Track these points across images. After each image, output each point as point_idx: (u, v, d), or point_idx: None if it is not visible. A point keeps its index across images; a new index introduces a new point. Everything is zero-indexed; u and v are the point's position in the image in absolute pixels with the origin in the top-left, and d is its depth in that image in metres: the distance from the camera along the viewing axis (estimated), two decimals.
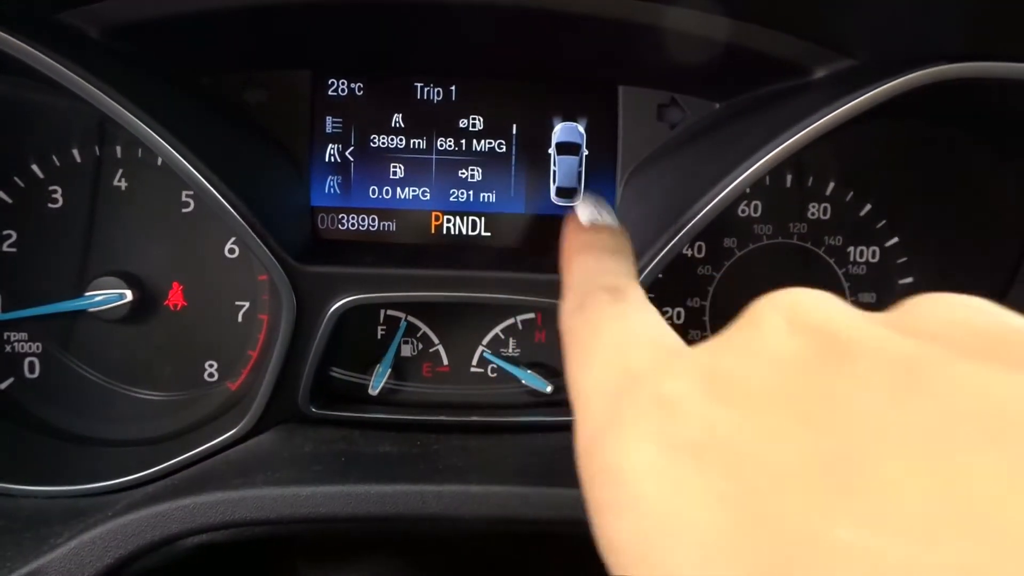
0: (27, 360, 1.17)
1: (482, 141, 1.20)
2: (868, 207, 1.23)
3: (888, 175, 1.22)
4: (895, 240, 1.24)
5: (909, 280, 1.25)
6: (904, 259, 1.25)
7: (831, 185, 1.23)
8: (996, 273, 1.23)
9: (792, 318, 0.41)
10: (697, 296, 1.24)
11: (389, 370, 1.15)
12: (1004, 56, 0.90)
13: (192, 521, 0.84)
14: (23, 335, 1.16)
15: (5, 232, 1.14)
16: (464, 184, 1.20)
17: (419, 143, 1.19)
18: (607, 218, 0.77)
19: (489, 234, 1.21)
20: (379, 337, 1.18)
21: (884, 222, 1.24)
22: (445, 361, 1.20)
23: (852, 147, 1.20)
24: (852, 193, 1.23)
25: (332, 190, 1.19)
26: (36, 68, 0.89)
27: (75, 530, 0.86)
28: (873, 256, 1.25)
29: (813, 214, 1.23)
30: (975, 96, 0.99)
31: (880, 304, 1.26)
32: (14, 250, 1.14)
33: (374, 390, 1.15)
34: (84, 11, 0.95)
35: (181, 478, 0.99)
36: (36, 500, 1.03)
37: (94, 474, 1.06)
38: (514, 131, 1.20)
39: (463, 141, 1.20)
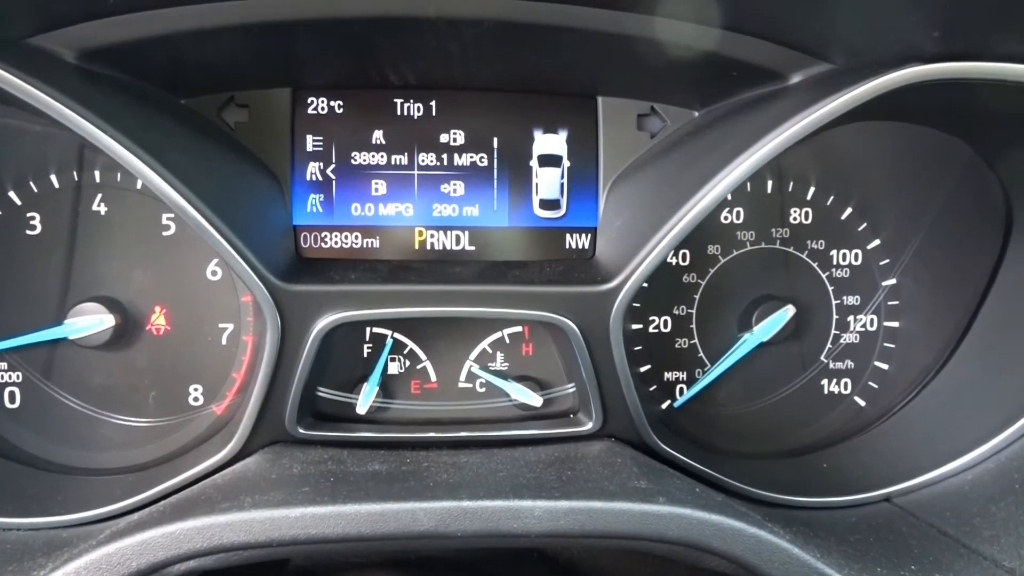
0: (7, 390, 1.15)
1: (464, 155, 1.20)
2: (849, 210, 1.24)
3: (868, 178, 1.23)
4: (877, 242, 1.25)
5: (892, 281, 1.26)
6: (886, 261, 1.25)
7: (812, 190, 1.24)
8: (978, 271, 1.24)
9: None
10: (683, 304, 1.24)
11: (376, 388, 1.14)
12: (977, 56, 0.91)
13: (179, 547, 0.83)
14: (3, 365, 1.14)
15: None
16: (447, 199, 1.20)
17: (400, 159, 1.19)
18: None
19: (473, 248, 1.21)
20: (365, 355, 1.16)
21: (865, 225, 1.25)
22: (433, 377, 1.19)
23: (831, 151, 1.21)
24: (833, 197, 1.24)
25: (314, 208, 1.18)
26: (11, 93, 0.89)
27: (59, 561, 0.84)
28: (856, 259, 1.26)
29: (795, 219, 1.24)
30: (951, 96, 1.00)
31: (864, 306, 1.26)
32: None
33: (362, 409, 1.14)
34: (59, 34, 0.95)
35: (167, 504, 0.97)
36: (19, 532, 1.01)
37: (78, 504, 1.04)
38: (495, 144, 1.20)
39: (445, 156, 1.20)
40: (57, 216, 1.13)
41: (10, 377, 1.15)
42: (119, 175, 1.13)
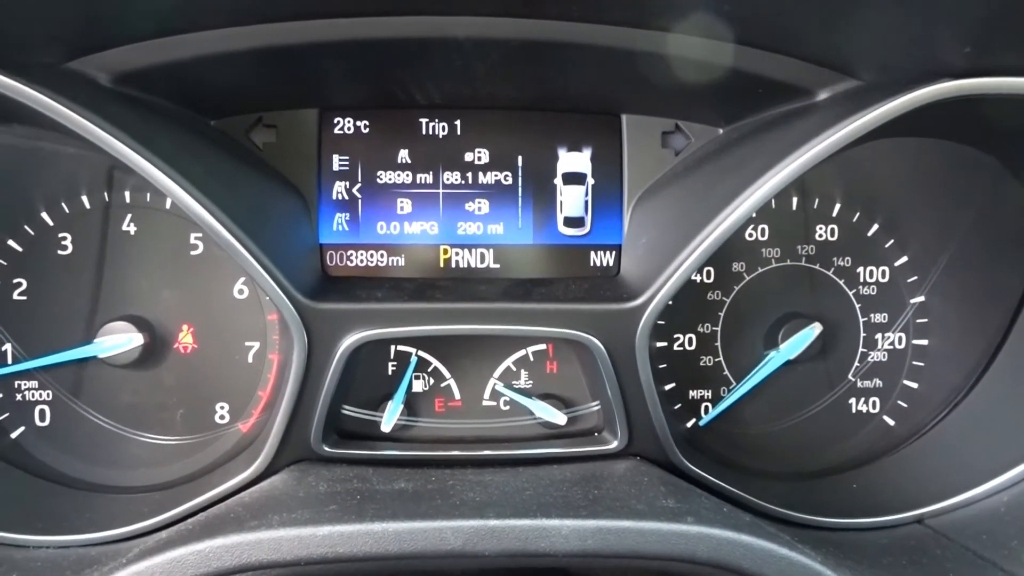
0: (37, 408, 1.16)
1: (488, 173, 1.20)
2: (875, 227, 1.23)
3: (894, 194, 1.22)
4: (904, 259, 1.24)
5: (921, 299, 1.24)
6: (914, 278, 1.24)
7: (837, 206, 1.23)
8: (1009, 288, 1.22)
9: None
10: (708, 322, 1.23)
11: (401, 406, 1.14)
12: (1008, 71, 0.91)
13: (207, 566, 0.83)
14: (33, 383, 1.15)
15: (15, 280, 1.14)
16: (471, 217, 1.21)
17: (426, 178, 1.20)
18: None
19: (498, 266, 1.21)
20: (390, 373, 1.17)
21: (892, 241, 1.23)
22: (457, 395, 1.18)
23: (856, 167, 1.20)
24: (858, 213, 1.23)
25: (340, 227, 1.19)
26: (48, 116, 0.90)
27: None
28: (883, 276, 1.24)
29: (820, 236, 1.23)
30: (980, 111, 0.99)
31: (892, 324, 1.25)
32: (24, 298, 1.14)
33: (386, 427, 1.14)
34: (94, 59, 0.97)
35: (195, 522, 0.97)
36: (48, 550, 1.01)
37: (106, 522, 1.05)
38: (520, 162, 1.21)
39: (469, 174, 1.20)
40: (88, 236, 1.15)
41: (40, 395, 1.16)
42: (148, 195, 1.15)
